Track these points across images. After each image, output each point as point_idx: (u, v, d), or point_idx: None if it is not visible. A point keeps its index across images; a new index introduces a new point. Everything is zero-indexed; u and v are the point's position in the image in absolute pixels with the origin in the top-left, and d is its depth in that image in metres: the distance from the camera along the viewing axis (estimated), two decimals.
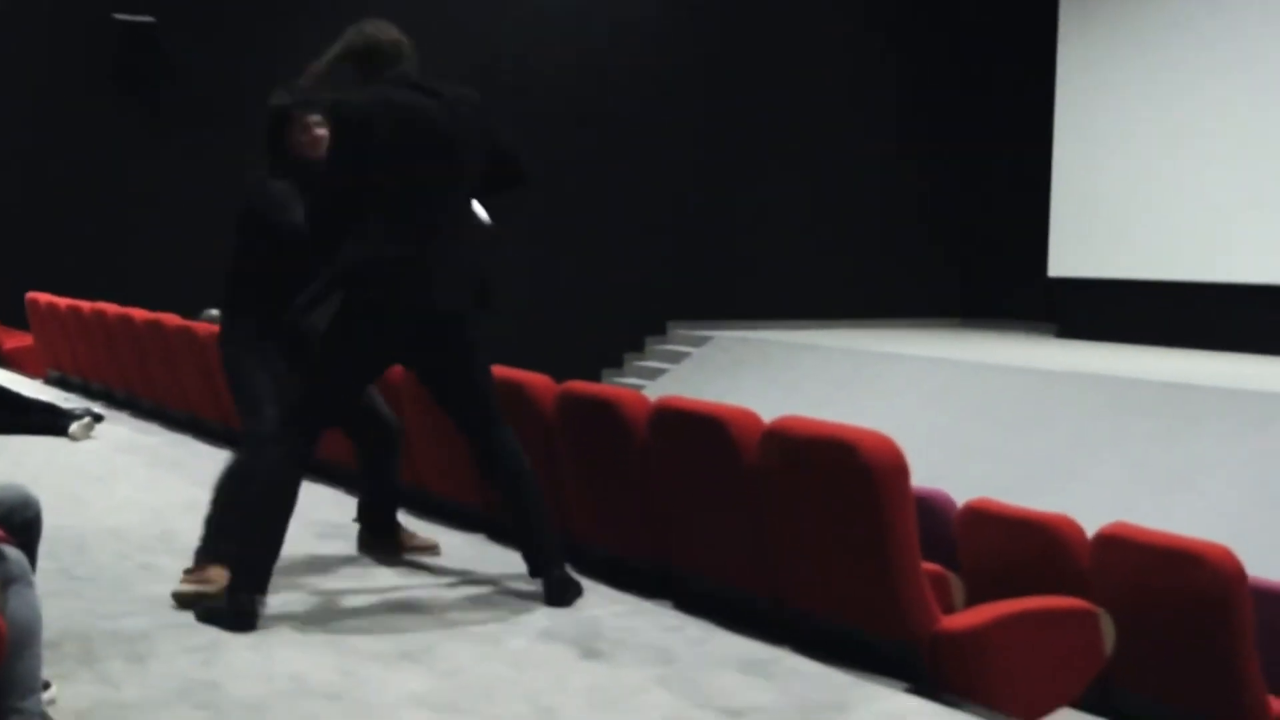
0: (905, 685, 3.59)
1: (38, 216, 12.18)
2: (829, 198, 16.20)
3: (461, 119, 4.12)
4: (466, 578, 4.60)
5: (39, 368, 10.50)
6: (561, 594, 4.25)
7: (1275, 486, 8.57)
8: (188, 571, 4.24)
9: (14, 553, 2.89)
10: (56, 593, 4.10)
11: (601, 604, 4.28)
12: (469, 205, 4.22)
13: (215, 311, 7.08)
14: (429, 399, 5.29)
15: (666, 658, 3.76)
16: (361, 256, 4.07)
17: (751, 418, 4.10)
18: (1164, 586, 3.90)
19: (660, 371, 14.36)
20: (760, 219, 15.82)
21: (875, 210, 16.50)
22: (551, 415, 4.77)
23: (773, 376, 12.81)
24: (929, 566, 3.97)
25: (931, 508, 4.79)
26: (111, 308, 8.99)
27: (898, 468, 3.62)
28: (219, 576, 4.15)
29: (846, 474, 3.64)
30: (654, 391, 11.99)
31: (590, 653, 3.79)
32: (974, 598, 4.28)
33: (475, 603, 4.31)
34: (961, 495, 4.89)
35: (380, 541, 4.92)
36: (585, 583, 4.37)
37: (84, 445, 7.44)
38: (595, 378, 13.78)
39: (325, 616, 4.10)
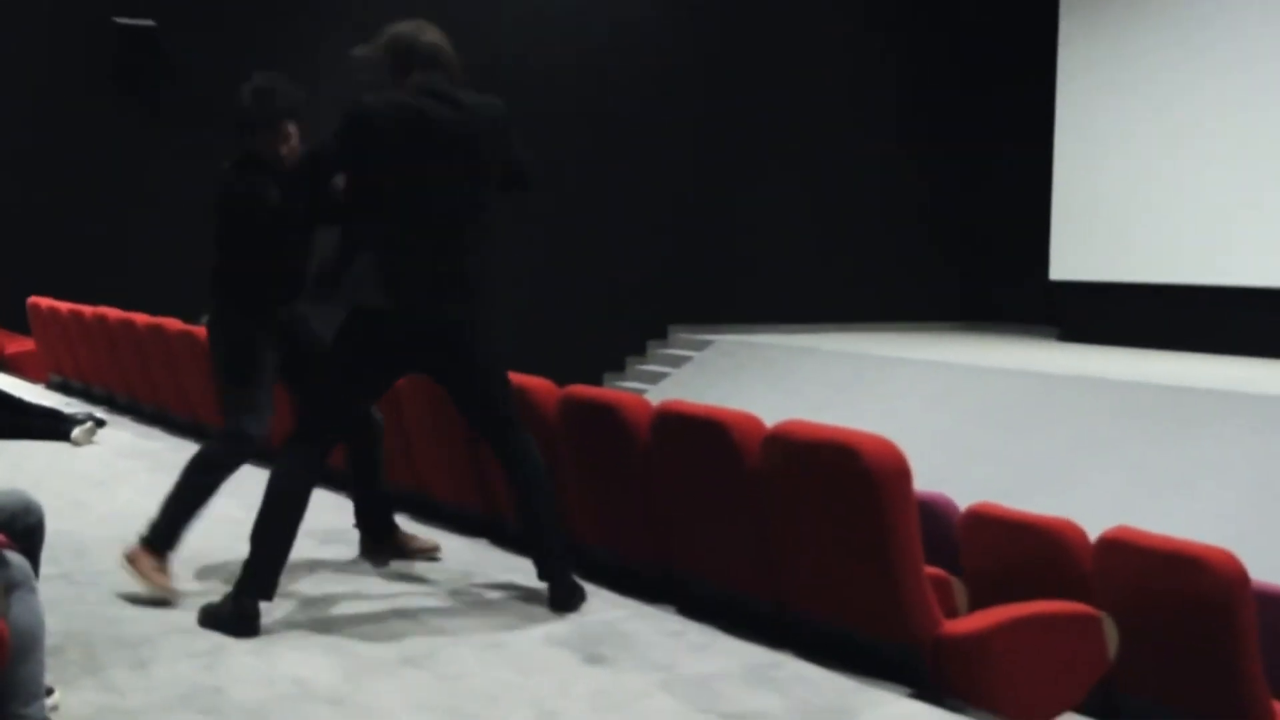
0: (908, 690, 3.59)
1: (38, 218, 12.17)
2: (829, 201, 16.21)
3: (477, 129, 4.12)
4: (469, 582, 4.60)
5: (41, 372, 10.50)
6: (567, 599, 4.26)
7: (1277, 489, 8.56)
8: (128, 553, 4.35)
9: (16, 558, 2.89)
10: (59, 598, 4.10)
11: (604, 609, 4.28)
12: (484, 215, 4.21)
13: None
14: (430, 402, 5.31)
15: (669, 663, 3.76)
16: (371, 264, 4.07)
17: (753, 421, 4.10)
18: (1166, 590, 3.90)
19: (662, 375, 14.36)
20: (761, 223, 15.82)
21: (876, 213, 16.50)
22: (553, 419, 4.77)
23: (774, 380, 12.81)
24: (931, 570, 3.97)
25: (934, 511, 4.78)
26: (113, 312, 8.99)
27: (900, 471, 3.62)
28: (144, 565, 4.28)
29: (849, 478, 3.64)
30: (656, 395, 12.00)
31: (593, 658, 3.79)
32: (976, 602, 4.28)
33: (478, 607, 4.31)
34: (963, 499, 4.89)
35: (380, 545, 4.92)
36: (588, 587, 4.38)
37: (86, 450, 7.44)
38: (597, 382, 13.78)
39: (328, 621, 4.11)
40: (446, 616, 4.20)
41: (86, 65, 12.43)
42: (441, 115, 4.07)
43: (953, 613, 4.10)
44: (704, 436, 4.14)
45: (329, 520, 5.22)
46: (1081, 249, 14.63)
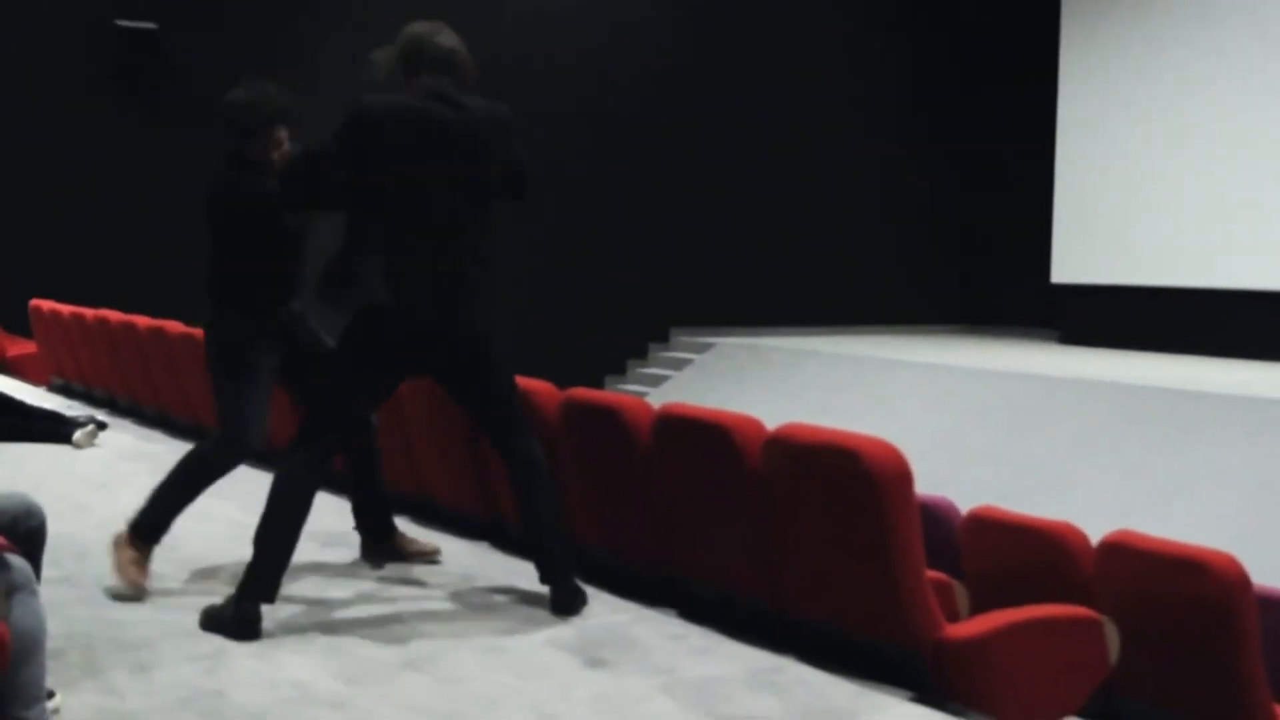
0: (909, 693, 3.59)
1: (38, 219, 12.17)
2: (830, 203, 16.21)
3: (478, 131, 4.12)
4: (470, 586, 4.60)
5: (42, 375, 10.50)
6: (569, 603, 4.26)
7: (1278, 492, 8.56)
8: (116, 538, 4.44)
9: (18, 561, 2.89)
10: (60, 601, 4.09)
11: (605, 612, 4.28)
12: (485, 217, 4.21)
13: None
14: (431, 404, 5.31)
15: (671, 666, 3.75)
16: (374, 265, 4.07)
17: (754, 424, 4.10)
18: (1168, 594, 3.90)
19: (663, 378, 14.36)
20: (762, 226, 15.82)
21: (877, 215, 16.51)
22: (554, 422, 4.77)
23: (775, 383, 12.81)
24: (933, 574, 3.97)
25: (935, 515, 4.78)
26: (115, 314, 8.99)
27: (901, 475, 3.62)
28: (123, 556, 4.36)
29: (850, 481, 3.64)
30: (657, 398, 12.01)
31: (594, 661, 3.79)
32: (978, 605, 4.28)
33: (479, 611, 4.30)
34: (964, 501, 4.89)
35: (380, 547, 4.93)
36: (589, 590, 4.37)
37: (87, 453, 7.44)
38: (598, 384, 13.78)
39: (329, 625, 4.10)
40: (447, 620, 4.20)
41: (86, 65, 12.43)
42: (443, 117, 4.07)
43: (954, 616, 4.10)
44: (705, 439, 4.14)
45: (331, 523, 5.22)
46: (1083, 251, 14.63)
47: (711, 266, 15.50)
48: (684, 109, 15.26)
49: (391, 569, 4.81)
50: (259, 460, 5.26)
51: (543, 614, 4.23)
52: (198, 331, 7.64)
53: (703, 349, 14.62)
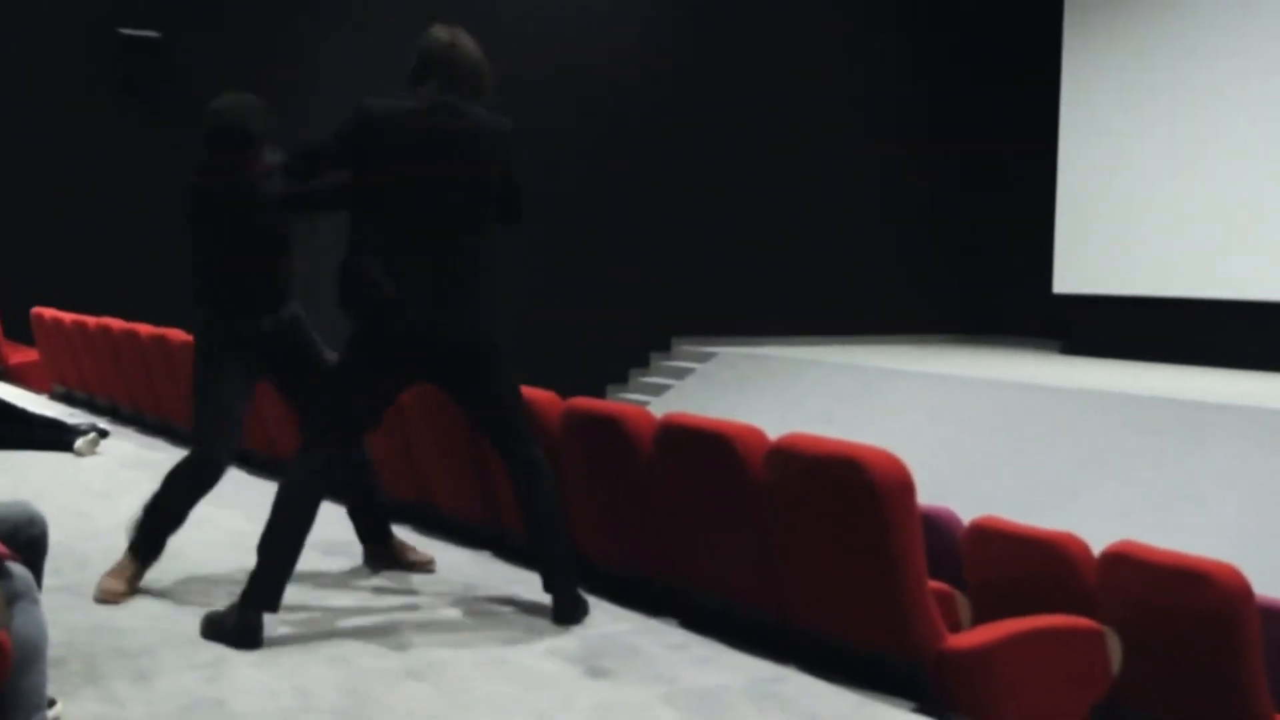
0: (912, 704, 3.58)
1: (40, 224, 12.14)
2: (832, 211, 16.20)
3: (478, 137, 4.13)
4: (472, 595, 4.60)
5: (44, 383, 10.50)
6: (571, 612, 4.25)
7: None
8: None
9: (19, 569, 2.89)
10: (61, 609, 4.09)
11: (607, 621, 4.28)
12: (485, 224, 4.22)
13: None
14: (433, 412, 5.31)
15: (673, 676, 3.75)
16: (374, 275, 4.07)
17: (757, 434, 4.10)
18: (1171, 605, 3.89)
19: (665, 387, 14.36)
20: (764, 237, 15.81)
21: (879, 226, 16.50)
22: (557, 431, 4.77)
23: (777, 392, 12.81)
24: (935, 585, 3.97)
25: (937, 525, 4.78)
26: (117, 322, 9.00)
27: (904, 485, 3.62)
28: (123, 572, 4.41)
29: (853, 491, 3.64)
30: (659, 408, 12.00)
31: (596, 671, 3.78)
32: (980, 616, 4.27)
33: (481, 620, 4.30)
34: (966, 512, 4.88)
35: (378, 550, 4.94)
36: (590, 599, 4.37)
37: (89, 461, 7.44)
38: (600, 394, 13.78)
39: (331, 633, 4.10)
40: (449, 629, 4.20)
41: (87, 66, 12.39)
42: (443, 124, 4.08)
43: (956, 627, 4.10)
44: (707, 449, 4.14)
45: (333, 532, 5.22)
46: (1085, 262, 14.62)
47: (713, 275, 15.49)
48: (686, 114, 15.22)
49: (393, 578, 4.81)
50: (240, 463, 5.25)
51: (544, 623, 4.23)
52: None
53: (705, 358, 14.61)
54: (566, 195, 14.14)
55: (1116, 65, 14.27)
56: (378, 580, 4.79)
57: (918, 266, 16.78)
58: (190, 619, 4.12)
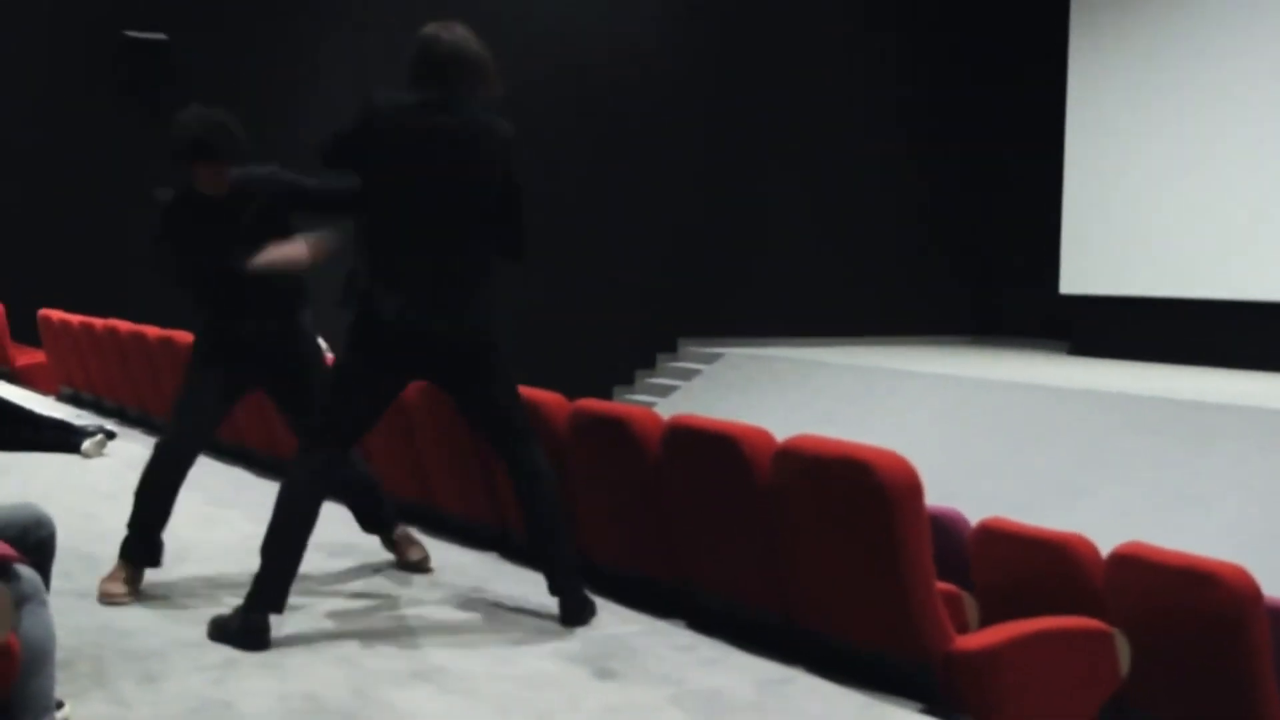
0: (919, 705, 3.58)
1: (44, 225, 12.13)
2: (837, 213, 16.19)
3: (475, 135, 4.13)
4: (479, 596, 4.60)
5: (51, 384, 10.51)
6: (577, 613, 4.25)
7: None
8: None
9: (27, 572, 2.89)
10: (69, 611, 4.09)
11: (614, 623, 4.28)
12: (485, 224, 4.21)
13: None
14: (438, 413, 5.31)
15: (680, 677, 3.75)
16: (372, 275, 4.08)
17: (764, 436, 4.10)
18: (1179, 606, 3.89)
19: (672, 389, 14.36)
20: (770, 236, 15.80)
21: (885, 227, 16.48)
22: (564, 433, 4.77)
23: (784, 393, 12.80)
24: (943, 586, 3.96)
25: (945, 526, 4.77)
26: (124, 324, 9.00)
27: (912, 487, 3.62)
28: (120, 575, 4.44)
29: (860, 493, 3.64)
30: (666, 409, 11.99)
31: (603, 672, 3.78)
32: (988, 617, 4.26)
33: (488, 621, 4.30)
34: (973, 513, 4.88)
35: (385, 537, 4.98)
36: (597, 601, 4.37)
37: (96, 462, 7.45)
38: (607, 395, 13.77)
39: (338, 635, 4.10)
40: (456, 630, 4.20)
41: (88, 67, 12.37)
42: (444, 123, 4.07)
43: (964, 628, 4.09)
44: (714, 450, 4.14)
45: (337, 533, 5.22)
46: (1092, 263, 14.60)
47: (717, 276, 15.48)
48: (686, 112, 15.19)
49: (399, 579, 4.81)
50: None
51: (551, 625, 4.23)
52: None
53: (711, 359, 14.61)
54: (568, 196, 14.13)
55: (1124, 65, 14.24)
56: (384, 581, 4.79)
57: (921, 267, 16.76)
58: (198, 621, 4.12)
